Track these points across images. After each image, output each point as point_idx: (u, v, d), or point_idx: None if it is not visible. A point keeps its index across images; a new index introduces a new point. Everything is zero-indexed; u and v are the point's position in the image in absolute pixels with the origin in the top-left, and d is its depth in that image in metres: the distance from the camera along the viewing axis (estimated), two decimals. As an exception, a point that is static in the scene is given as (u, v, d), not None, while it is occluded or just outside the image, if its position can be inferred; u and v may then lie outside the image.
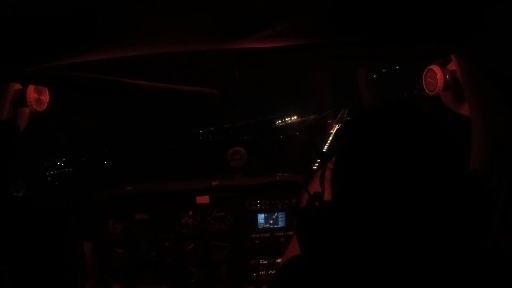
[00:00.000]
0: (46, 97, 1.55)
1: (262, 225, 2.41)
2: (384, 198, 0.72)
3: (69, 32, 0.74)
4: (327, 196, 0.88)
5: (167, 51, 0.96)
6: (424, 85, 1.47)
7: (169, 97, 1.14)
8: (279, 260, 2.37)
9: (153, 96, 1.12)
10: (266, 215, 2.40)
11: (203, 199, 2.38)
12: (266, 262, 2.41)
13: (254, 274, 2.41)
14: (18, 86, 1.44)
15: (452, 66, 1.39)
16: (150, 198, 2.39)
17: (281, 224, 2.40)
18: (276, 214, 2.40)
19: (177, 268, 2.40)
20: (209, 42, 0.87)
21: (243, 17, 0.69)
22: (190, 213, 2.39)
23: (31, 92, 1.47)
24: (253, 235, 2.40)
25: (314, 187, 1.10)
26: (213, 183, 2.39)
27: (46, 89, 1.54)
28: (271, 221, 2.41)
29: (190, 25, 0.72)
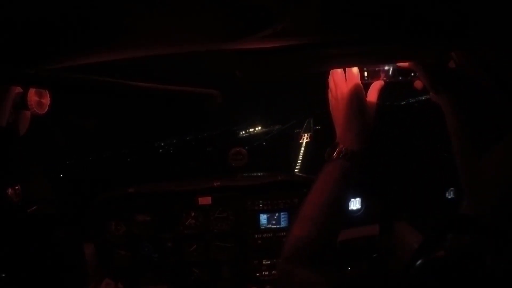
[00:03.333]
0: (47, 100, 1.55)
1: (264, 225, 2.41)
2: None
3: (70, 34, 0.74)
4: None
5: (168, 52, 0.96)
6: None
7: (170, 98, 1.14)
8: (281, 260, 2.36)
9: (154, 97, 1.12)
10: (268, 215, 2.40)
11: (205, 200, 2.38)
12: (268, 262, 2.41)
13: (257, 274, 2.42)
14: (18, 89, 1.44)
15: (452, 64, 1.39)
16: (152, 199, 2.39)
17: (283, 224, 2.40)
18: (278, 214, 2.40)
19: (179, 269, 2.41)
20: (209, 42, 0.87)
21: (243, 16, 0.68)
22: (192, 213, 2.39)
23: (32, 95, 1.47)
24: (256, 235, 2.40)
25: None
26: (215, 184, 2.39)
27: (47, 91, 1.54)
28: (274, 221, 2.41)
29: (190, 26, 0.72)
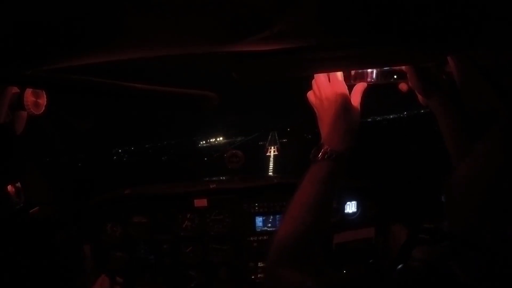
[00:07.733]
0: (43, 100, 1.55)
1: (260, 227, 2.40)
2: None
3: (66, 35, 0.74)
4: None
5: (164, 54, 0.96)
6: None
7: (166, 100, 1.14)
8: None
9: (151, 99, 1.12)
10: (264, 217, 2.40)
11: (201, 202, 2.38)
12: (264, 264, 2.41)
13: (253, 276, 2.41)
14: (15, 89, 1.44)
15: (449, 67, 1.39)
16: (148, 201, 2.39)
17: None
18: (274, 216, 2.40)
19: (176, 271, 2.40)
20: (205, 44, 0.87)
21: (240, 18, 0.69)
22: (188, 215, 2.38)
23: (29, 95, 1.47)
24: (251, 238, 2.40)
25: None
26: (211, 186, 2.39)
27: (44, 92, 1.54)
28: (269, 224, 2.41)
29: (186, 28, 0.73)
